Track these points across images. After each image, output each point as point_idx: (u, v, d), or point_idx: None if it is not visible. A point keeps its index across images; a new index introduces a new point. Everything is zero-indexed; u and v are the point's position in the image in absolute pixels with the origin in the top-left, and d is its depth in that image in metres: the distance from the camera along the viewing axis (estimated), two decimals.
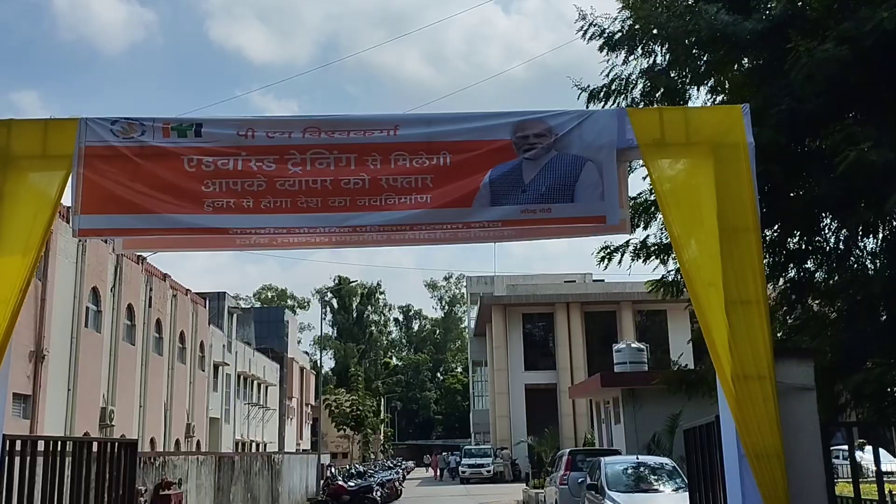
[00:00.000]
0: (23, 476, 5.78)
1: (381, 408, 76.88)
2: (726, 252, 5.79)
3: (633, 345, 27.11)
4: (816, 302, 10.03)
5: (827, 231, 9.54)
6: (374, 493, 28.36)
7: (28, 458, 5.86)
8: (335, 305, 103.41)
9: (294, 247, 11.62)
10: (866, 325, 8.72)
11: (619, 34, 10.12)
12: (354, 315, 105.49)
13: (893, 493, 9.15)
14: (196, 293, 37.40)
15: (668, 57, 9.95)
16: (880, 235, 9.05)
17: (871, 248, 9.30)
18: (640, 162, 7.10)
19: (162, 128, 6.13)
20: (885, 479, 6.95)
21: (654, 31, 9.77)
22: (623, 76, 10.30)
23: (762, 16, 8.80)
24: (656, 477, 14.93)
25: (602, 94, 10.34)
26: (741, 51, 9.14)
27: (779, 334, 9.79)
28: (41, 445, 6.19)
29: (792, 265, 9.76)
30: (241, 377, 45.89)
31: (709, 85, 10.24)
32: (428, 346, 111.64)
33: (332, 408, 59.17)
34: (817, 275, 9.83)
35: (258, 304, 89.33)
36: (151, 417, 31.04)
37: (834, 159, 7.51)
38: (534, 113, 6.28)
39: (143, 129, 6.11)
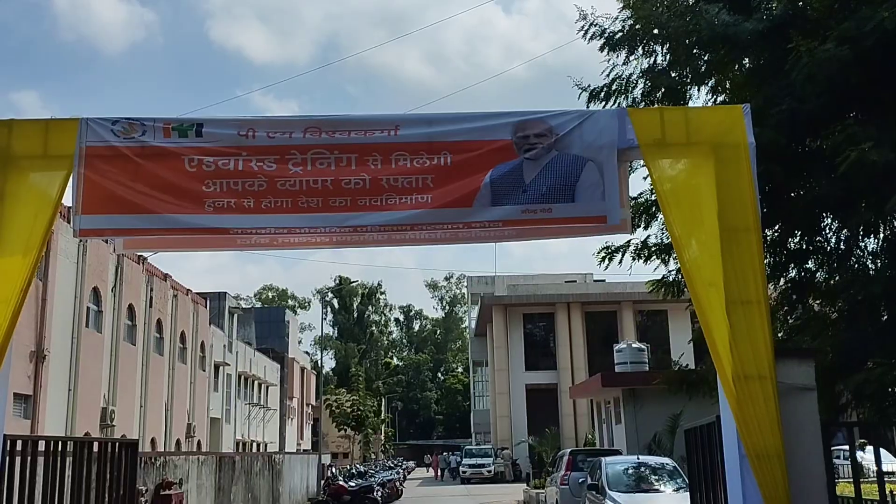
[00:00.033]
0: (23, 476, 5.78)
1: (382, 408, 76.85)
2: (727, 252, 5.79)
3: (633, 345, 27.10)
4: (817, 302, 10.03)
5: (828, 231, 9.54)
6: (374, 493, 28.36)
7: (29, 459, 5.86)
8: (336, 305, 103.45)
9: (295, 247, 11.64)
10: (867, 326, 8.72)
11: (620, 34, 10.12)
12: (355, 315, 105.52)
13: (894, 493, 9.14)
14: (197, 293, 37.41)
15: (668, 57, 9.95)
16: (881, 235, 9.04)
17: (872, 248, 9.30)
18: (641, 162, 7.09)
19: (163, 128, 6.13)
20: (886, 479, 6.94)
21: (655, 31, 9.77)
22: (624, 76, 10.31)
23: (763, 16, 8.80)
24: (657, 477, 14.92)
25: (603, 93, 10.35)
26: (742, 51, 9.14)
27: (780, 334, 9.79)
28: (42, 445, 6.19)
29: (793, 265, 9.76)
30: (242, 377, 45.89)
31: (709, 85, 10.24)
32: (429, 346, 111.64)
33: (333, 408, 59.16)
34: (818, 275, 9.82)
35: (259, 305, 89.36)
36: (152, 417, 31.05)
37: (835, 159, 7.51)
38: (534, 113, 6.28)
39: (143, 129, 6.11)
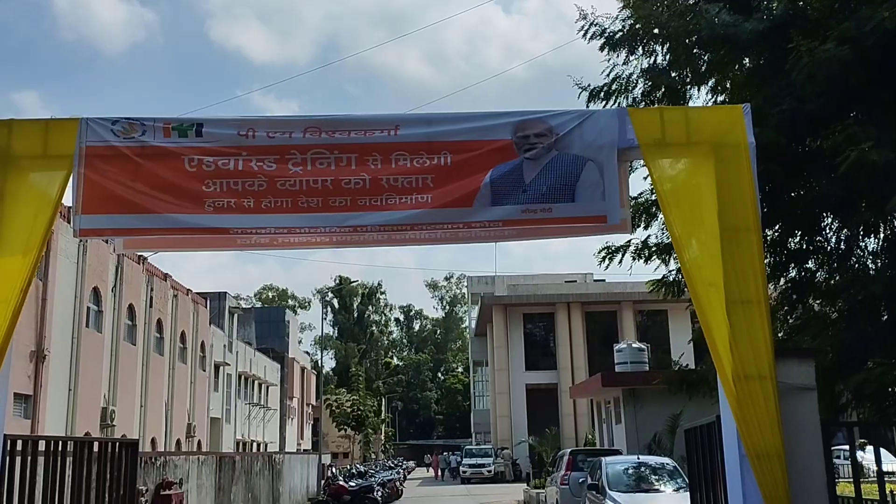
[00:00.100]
0: (24, 476, 5.78)
1: (382, 408, 76.85)
2: (727, 252, 5.79)
3: (633, 345, 27.10)
4: (817, 302, 10.03)
5: (828, 231, 9.54)
6: (374, 493, 28.35)
7: (29, 459, 5.86)
8: (336, 305, 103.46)
9: (295, 247, 11.64)
10: (867, 325, 8.72)
11: (620, 34, 10.12)
12: (355, 315, 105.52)
13: (894, 493, 9.15)
14: (197, 293, 37.42)
15: (668, 57, 9.95)
16: (881, 235, 9.04)
17: (872, 248, 9.31)
18: (641, 162, 7.09)
19: (163, 128, 6.13)
20: (886, 479, 6.94)
21: (655, 31, 9.78)
22: (624, 76, 10.31)
23: (763, 15, 8.80)
24: (657, 477, 14.92)
25: (603, 93, 10.35)
26: (742, 51, 9.13)
27: (780, 334, 9.79)
28: (42, 445, 6.19)
29: (793, 265, 9.76)
30: (242, 377, 45.90)
31: (709, 85, 10.24)
32: (429, 346, 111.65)
33: (333, 408, 59.18)
34: (818, 275, 9.82)
35: (259, 304, 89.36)
36: (152, 417, 31.05)
37: (835, 159, 7.51)
38: (534, 113, 6.27)
39: (143, 129, 6.10)
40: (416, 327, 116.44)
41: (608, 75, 10.38)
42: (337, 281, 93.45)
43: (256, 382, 48.94)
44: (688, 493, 7.96)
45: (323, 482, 32.49)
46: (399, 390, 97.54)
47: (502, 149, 6.15)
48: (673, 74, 10.04)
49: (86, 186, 5.97)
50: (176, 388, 33.77)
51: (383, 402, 79.78)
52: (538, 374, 47.44)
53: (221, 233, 6.21)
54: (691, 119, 6.27)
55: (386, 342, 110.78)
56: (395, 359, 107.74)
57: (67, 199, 6.03)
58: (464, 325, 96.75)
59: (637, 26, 9.92)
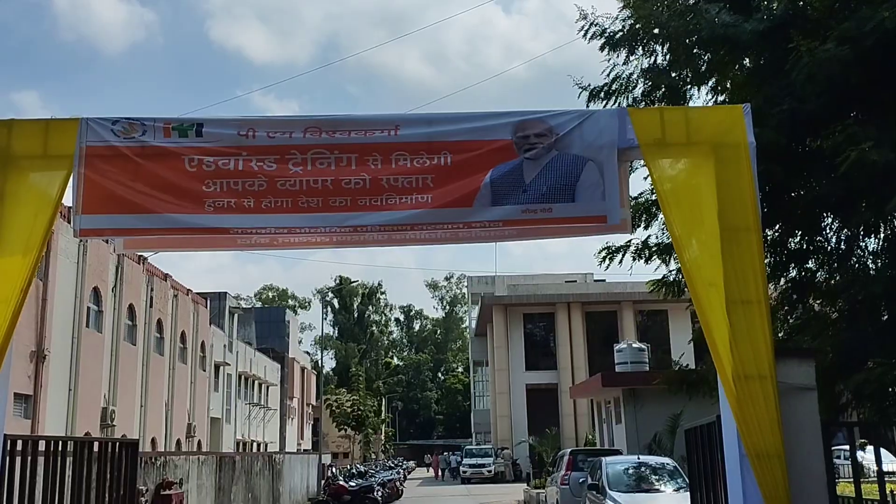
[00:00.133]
0: (24, 476, 5.78)
1: (382, 408, 76.87)
2: (727, 252, 5.78)
3: (634, 345, 27.11)
4: (817, 302, 10.03)
5: (828, 231, 9.54)
6: (374, 493, 28.36)
7: (29, 458, 5.86)
8: (336, 305, 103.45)
9: (295, 247, 11.64)
10: (867, 325, 8.71)
11: (620, 34, 10.13)
12: (355, 315, 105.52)
13: (894, 493, 9.14)
14: (197, 293, 37.43)
15: (668, 57, 9.96)
16: (881, 235, 9.04)
17: (873, 248, 9.30)
18: (641, 162, 7.09)
19: (163, 128, 6.13)
20: (886, 479, 6.93)
21: (655, 31, 9.78)
22: (624, 76, 10.32)
23: (763, 16, 8.80)
24: (657, 477, 14.92)
25: (603, 93, 10.36)
26: (742, 51, 9.13)
27: (780, 334, 9.79)
28: (42, 445, 6.19)
29: (793, 265, 9.76)
30: (242, 377, 45.90)
31: (709, 85, 10.24)
32: (429, 346, 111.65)
33: (333, 408, 59.20)
34: (818, 275, 9.82)
35: (259, 304, 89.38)
36: (152, 417, 31.05)
37: (835, 159, 7.51)
38: (534, 113, 6.27)
39: (143, 129, 6.10)
40: (416, 327, 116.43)
41: (608, 75, 10.39)
42: (337, 281, 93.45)
43: (256, 382, 48.95)
44: (688, 493, 7.96)
45: (323, 482, 32.48)
46: (399, 390, 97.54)
47: (502, 149, 6.15)
48: (673, 74, 10.04)
49: (86, 186, 5.97)
50: (176, 388, 33.77)
51: (383, 402, 79.79)
52: (538, 374, 47.44)
53: (221, 233, 6.21)
54: (691, 119, 6.27)
55: (386, 342, 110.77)
56: (395, 359, 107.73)
57: (67, 199, 6.03)
58: (464, 325, 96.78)
59: (637, 26, 9.92)
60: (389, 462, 57.52)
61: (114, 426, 26.68)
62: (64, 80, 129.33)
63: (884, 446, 9.27)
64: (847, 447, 12.16)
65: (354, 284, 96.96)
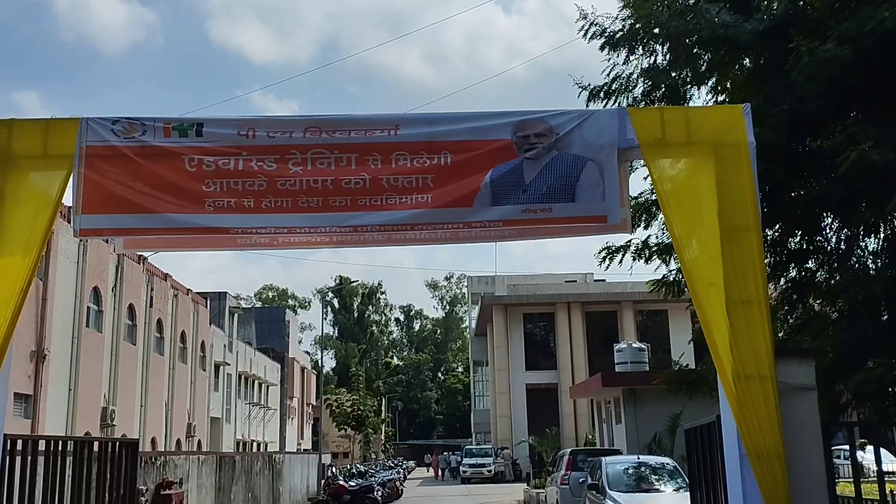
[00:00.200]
0: (24, 476, 5.78)
1: (382, 407, 76.87)
2: (727, 252, 5.78)
3: (634, 345, 27.10)
4: (817, 302, 10.03)
5: (828, 231, 9.54)
6: (374, 493, 28.36)
7: (29, 458, 5.86)
8: (336, 305, 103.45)
9: (295, 246, 11.65)
10: (867, 325, 8.71)
11: (620, 33, 10.13)
12: (355, 315, 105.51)
13: (894, 493, 9.15)
14: (197, 293, 37.43)
15: (668, 56, 9.96)
16: (881, 235, 9.04)
17: (873, 248, 9.31)
18: (641, 162, 7.09)
19: (163, 127, 6.13)
20: (886, 479, 6.94)
21: (655, 31, 9.78)
22: (624, 75, 10.32)
23: (763, 16, 8.80)
24: (657, 477, 14.92)
25: (603, 93, 10.36)
26: (742, 51, 9.13)
27: (780, 334, 9.79)
28: (42, 445, 6.19)
29: (793, 265, 9.76)
30: (242, 377, 45.91)
31: (709, 85, 10.24)
32: (429, 345, 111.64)
33: (333, 408, 59.20)
34: (818, 274, 9.82)
35: (259, 304, 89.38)
36: (152, 417, 31.05)
37: (835, 159, 7.51)
38: (534, 113, 6.27)
39: (144, 129, 6.10)
40: (416, 327, 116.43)
41: (608, 75, 10.39)
42: (337, 281, 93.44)
43: (256, 382, 48.94)
44: (688, 493, 7.96)
45: (323, 482, 32.48)
46: (399, 390, 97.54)
47: (502, 149, 6.15)
48: (673, 74, 10.04)
49: (86, 186, 5.97)
50: (176, 388, 33.78)
51: (383, 402, 79.79)
52: (538, 373, 47.44)
53: (221, 233, 6.22)
54: (691, 119, 6.27)
55: (386, 342, 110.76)
56: (395, 359, 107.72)
57: (67, 199, 6.03)
58: (464, 325, 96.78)
59: (637, 26, 9.92)
60: (389, 462, 57.51)
61: (114, 426, 26.68)
62: (64, 80, 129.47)
63: (884, 446, 9.29)
64: (847, 447, 12.17)
65: (354, 284, 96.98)
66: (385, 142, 6.15)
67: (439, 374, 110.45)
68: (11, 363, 5.96)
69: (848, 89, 8.00)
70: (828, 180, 8.22)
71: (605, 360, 34.16)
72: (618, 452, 19.84)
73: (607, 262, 10.79)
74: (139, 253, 27.51)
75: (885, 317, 8.74)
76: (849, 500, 7.54)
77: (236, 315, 45.88)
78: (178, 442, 33.96)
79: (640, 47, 10.12)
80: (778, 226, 9.48)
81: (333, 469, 36.02)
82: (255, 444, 47.58)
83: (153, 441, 31.06)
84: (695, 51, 9.60)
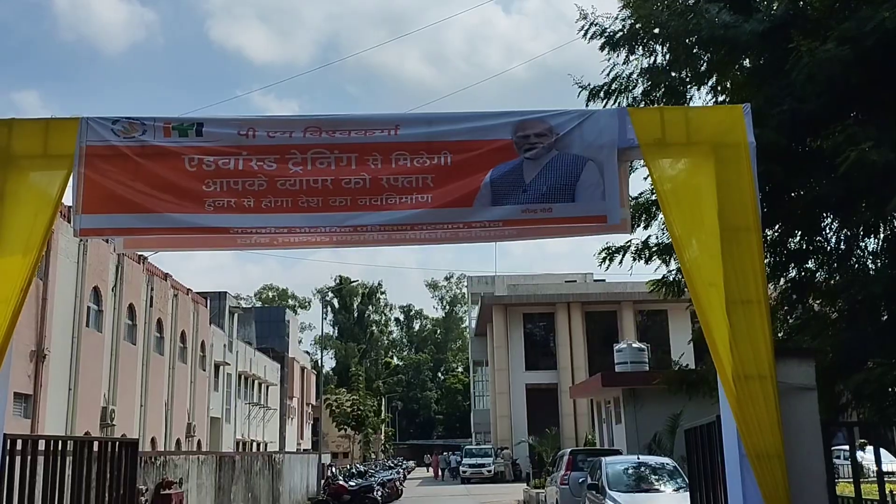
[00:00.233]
0: (24, 475, 5.78)
1: (382, 407, 76.87)
2: (727, 252, 5.79)
3: (633, 345, 27.11)
4: (817, 302, 10.03)
5: (828, 231, 9.54)
6: (374, 493, 28.36)
7: (29, 458, 5.86)
8: (336, 305, 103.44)
9: (295, 246, 11.65)
10: (867, 325, 8.72)
11: (620, 33, 10.13)
12: (355, 315, 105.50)
13: (894, 493, 9.15)
14: (197, 293, 37.43)
15: (668, 56, 9.96)
16: (881, 235, 9.05)
17: (872, 248, 9.31)
18: (641, 162, 7.09)
19: (163, 127, 6.13)
20: (885, 479, 6.93)
21: (655, 31, 9.78)
22: (624, 75, 10.31)
23: (764, 16, 8.79)
24: (657, 477, 14.92)
25: (603, 92, 10.35)
26: (742, 51, 9.13)
27: (780, 334, 9.79)
28: (42, 445, 6.19)
29: (793, 265, 9.76)
30: (242, 377, 45.90)
31: (709, 85, 10.24)
32: (429, 345, 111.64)
33: (333, 407, 59.19)
34: (818, 275, 9.82)
35: (259, 304, 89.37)
36: (152, 417, 31.05)
37: (835, 159, 7.51)
38: (534, 113, 6.27)
39: (144, 129, 6.10)
40: (416, 327, 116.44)
41: (608, 75, 10.39)
42: (337, 281, 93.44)
43: (256, 382, 48.94)
44: (688, 493, 7.96)
45: (323, 482, 32.49)
46: (399, 390, 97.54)
47: (502, 149, 6.15)
48: (673, 74, 10.04)
49: (86, 186, 5.97)
50: (176, 388, 33.77)
51: (383, 402, 79.79)
52: (538, 374, 47.44)
53: (221, 232, 6.22)
54: (691, 119, 6.27)
55: (386, 342, 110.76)
56: (395, 359, 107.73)
57: (67, 199, 6.03)
58: (464, 325, 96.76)
59: (637, 26, 9.92)
60: (389, 462, 57.51)
61: (114, 426, 26.68)
62: (64, 80, 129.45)
63: (883, 446, 9.28)
64: (847, 447, 12.18)
65: (354, 284, 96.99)
66: (385, 142, 6.15)
67: (439, 374, 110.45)
68: (11, 363, 5.96)
69: (848, 89, 8.00)
70: (828, 180, 8.22)
71: (604, 360, 34.16)
72: (618, 452, 19.84)
73: (607, 262, 10.79)
74: (139, 253, 27.51)
75: (885, 317, 8.74)
76: (849, 500, 7.54)
77: (236, 315, 45.88)
78: (178, 442, 33.96)
79: (640, 47, 10.12)
80: (778, 226, 9.48)
81: (333, 469, 36.03)
82: (254, 444, 47.58)
83: (153, 441, 31.07)
84: (695, 51, 9.60)
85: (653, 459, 16.09)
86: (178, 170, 6.06)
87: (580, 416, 43.41)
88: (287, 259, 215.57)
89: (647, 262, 10.57)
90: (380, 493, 29.12)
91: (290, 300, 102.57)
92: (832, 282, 9.51)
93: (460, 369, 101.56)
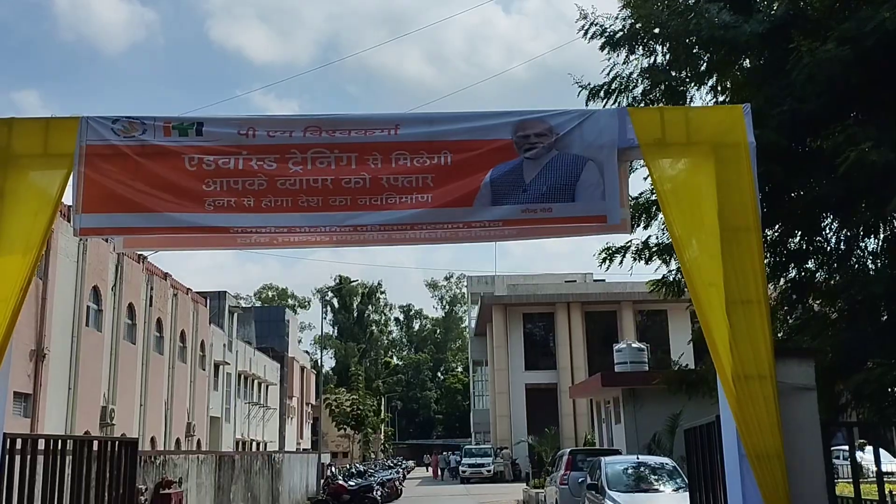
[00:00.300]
0: (23, 475, 5.77)
1: (382, 407, 76.87)
2: (727, 252, 5.79)
3: (633, 345, 27.11)
4: (817, 302, 10.04)
5: (828, 231, 9.55)
6: (374, 493, 28.35)
7: (28, 457, 5.86)
8: (336, 305, 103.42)
9: (295, 246, 11.64)
10: (867, 326, 8.72)
11: (620, 33, 10.13)
12: (355, 314, 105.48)
13: (894, 493, 9.15)
14: (197, 292, 37.43)
15: (668, 56, 9.96)
16: (881, 235, 9.05)
17: (872, 248, 9.31)
18: (641, 162, 7.10)
19: (163, 126, 6.13)
20: (885, 479, 6.94)
21: (655, 31, 9.78)
22: (624, 75, 10.32)
23: (763, 16, 8.80)
24: (657, 477, 14.92)
25: (603, 92, 10.36)
26: (742, 51, 9.14)
27: (779, 334, 9.80)
28: (42, 444, 6.19)
29: (793, 265, 9.76)
30: (242, 376, 45.90)
31: (709, 85, 10.25)
32: (428, 345, 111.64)
33: (333, 407, 59.18)
34: (818, 275, 9.83)
35: (259, 304, 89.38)
36: (152, 416, 31.05)
37: (835, 159, 7.51)
38: (534, 112, 6.27)
39: (144, 128, 6.10)
40: (416, 327, 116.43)
41: (608, 75, 10.39)
42: (337, 280, 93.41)
43: (256, 382, 48.94)
44: (687, 493, 7.96)
45: (322, 481, 32.48)
46: (399, 390, 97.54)
47: (502, 148, 6.15)
48: (673, 74, 10.05)
49: (86, 185, 5.97)
50: (176, 388, 33.77)
51: (383, 402, 79.79)
52: (538, 373, 47.43)
53: (221, 232, 6.22)
54: (691, 119, 6.27)
55: (386, 342, 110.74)
56: (394, 358, 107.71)
57: (67, 198, 6.03)
58: (464, 325, 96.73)
59: (637, 26, 9.92)
60: (389, 461, 57.50)
61: (113, 425, 26.68)
62: (64, 80, 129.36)
63: (883, 446, 9.28)
64: (846, 447, 12.19)
65: (354, 284, 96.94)
66: (385, 141, 6.15)
67: (439, 374, 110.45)
68: (11, 362, 5.96)
69: (848, 89, 8.00)
70: (828, 180, 8.22)
71: (604, 360, 34.15)
72: (617, 452, 19.84)
73: (607, 262, 10.80)
74: (139, 252, 27.51)
75: (885, 317, 8.75)
76: (848, 500, 7.54)
77: (236, 314, 45.88)
78: (178, 441, 33.96)
79: (640, 47, 10.13)
80: (778, 226, 9.49)
81: (333, 469, 36.02)
82: (254, 444, 47.59)
83: (153, 440, 31.07)
84: (695, 51, 9.60)
85: (652, 459, 16.09)
86: (178, 169, 6.06)
87: (580, 416, 43.40)
88: (287, 259, 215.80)
89: (647, 263, 10.58)
90: (379, 492, 29.11)
91: (289, 300, 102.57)
92: (832, 282, 9.51)
93: (460, 369, 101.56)
